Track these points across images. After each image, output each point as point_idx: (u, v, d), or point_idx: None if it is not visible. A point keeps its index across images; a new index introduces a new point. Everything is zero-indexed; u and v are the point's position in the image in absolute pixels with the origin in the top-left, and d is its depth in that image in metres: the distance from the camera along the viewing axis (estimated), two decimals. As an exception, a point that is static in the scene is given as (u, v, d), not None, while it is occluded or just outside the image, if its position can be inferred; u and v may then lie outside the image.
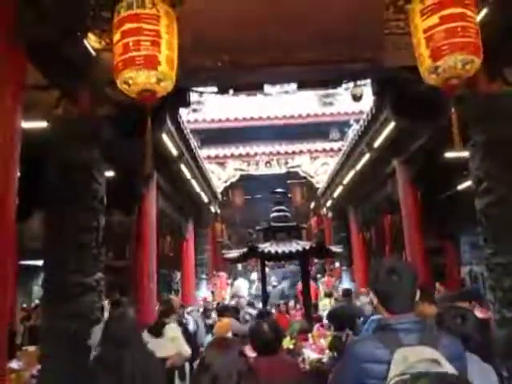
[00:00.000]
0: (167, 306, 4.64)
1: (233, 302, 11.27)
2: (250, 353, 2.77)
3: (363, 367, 1.54)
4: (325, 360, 4.39)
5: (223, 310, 5.33)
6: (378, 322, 2.34)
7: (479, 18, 2.97)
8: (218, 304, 8.96)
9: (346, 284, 11.77)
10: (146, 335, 3.78)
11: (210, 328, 6.81)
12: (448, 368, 1.40)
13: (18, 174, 3.08)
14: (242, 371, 1.56)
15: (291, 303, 8.65)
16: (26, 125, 3.41)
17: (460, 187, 7.00)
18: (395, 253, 9.37)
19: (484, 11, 3.36)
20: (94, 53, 3.66)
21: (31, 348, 5.19)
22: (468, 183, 5.61)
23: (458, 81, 2.57)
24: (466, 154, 4.56)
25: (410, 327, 1.56)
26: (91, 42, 3.56)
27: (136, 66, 2.45)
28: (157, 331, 4.14)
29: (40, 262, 4.51)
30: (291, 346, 4.61)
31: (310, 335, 5.12)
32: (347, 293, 7.22)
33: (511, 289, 3.99)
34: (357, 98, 6.69)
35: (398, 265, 1.67)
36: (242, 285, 12.88)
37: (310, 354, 4.53)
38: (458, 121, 2.86)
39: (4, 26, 2.84)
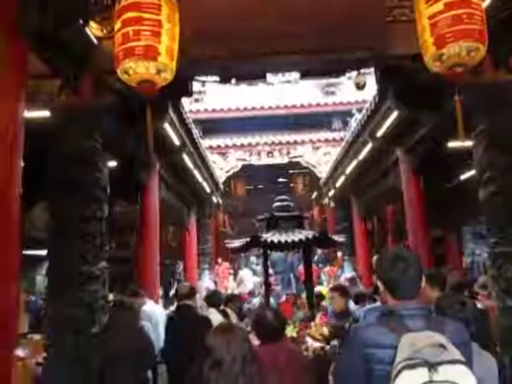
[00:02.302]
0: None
1: (236, 292, 11.35)
2: (254, 341, 2.79)
3: (369, 352, 1.55)
4: (327, 348, 4.43)
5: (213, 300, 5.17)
6: (381, 308, 2.35)
7: (484, 5, 2.93)
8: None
9: (347, 273, 11.80)
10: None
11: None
12: (454, 353, 1.41)
13: (22, 163, 3.08)
14: (247, 356, 1.57)
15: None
16: (29, 114, 3.41)
17: (463, 177, 6.98)
18: (397, 242, 9.39)
19: (490, -3, 3.31)
20: (95, 41, 3.64)
21: (36, 336, 5.24)
22: (471, 173, 5.59)
23: (463, 68, 2.55)
24: (469, 143, 4.54)
25: (415, 313, 1.58)
26: (93, 30, 3.54)
27: (136, 56, 2.43)
28: None
29: (43, 252, 4.53)
30: (294, 335, 4.64)
31: (312, 323, 5.15)
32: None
33: (514, 278, 3.99)
34: (360, 86, 6.66)
35: (404, 252, 1.70)
36: (245, 275, 12.94)
37: (312, 341, 4.57)
38: (462, 110, 2.84)
39: (5, 15, 2.83)
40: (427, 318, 1.57)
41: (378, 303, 4.57)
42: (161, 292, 8.32)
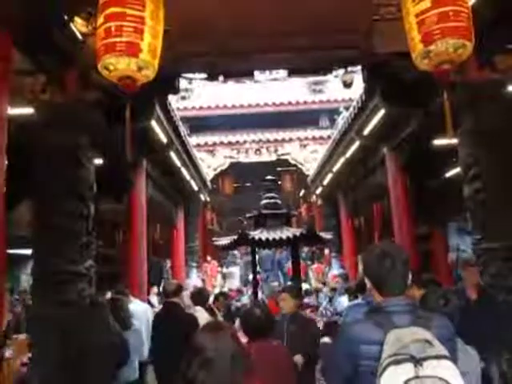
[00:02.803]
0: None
1: (225, 289, 11.34)
2: (242, 338, 2.79)
3: (357, 348, 1.56)
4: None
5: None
6: (369, 304, 2.37)
7: (470, 3, 2.96)
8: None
9: (335, 270, 11.88)
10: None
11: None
12: (440, 349, 1.42)
13: (6, 161, 3.03)
14: (235, 354, 1.56)
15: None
16: (12, 110, 3.35)
17: (449, 174, 7.05)
18: (384, 239, 9.46)
19: (476, -4, 3.34)
20: (81, 37, 3.59)
21: (21, 336, 5.16)
22: (457, 170, 5.66)
23: (450, 66, 2.57)
24: (455, 141, 4.59)
25: (402, 309, 1.59)
26: (78, 26, 3.49)
27: (117, 52, 2.39)
28: None
29: (27, 251, 4.46)
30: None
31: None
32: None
33: (498, 273, 4.06)
34: (347, 84, 6.69)
35: (391, 249, 1.70)
36: (234, 271, 12.97)
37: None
38: (449, 107, 2.87)
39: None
40: (414, 314, 1.58)
41: (360, 299, 4.61)
42: (156, 289, 8.28)
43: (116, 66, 2.42)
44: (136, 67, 2.44)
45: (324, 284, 10.91)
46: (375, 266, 1.66)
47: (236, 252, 15.05)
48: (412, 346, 1.41)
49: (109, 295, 4.78)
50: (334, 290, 8.08)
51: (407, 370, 1.39)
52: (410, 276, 1.67)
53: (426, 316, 1.60)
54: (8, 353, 4.35)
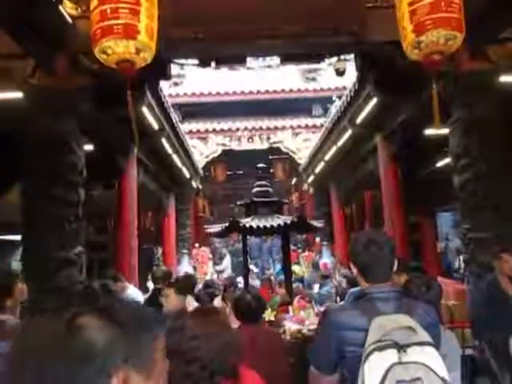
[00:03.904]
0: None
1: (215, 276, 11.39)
2: (233, 323, 2.82)
3: (341, 335, 1.59)
4: (305, 331, 4.50)
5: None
6: (356, 291, 2.40)
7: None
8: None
9: (326, 259, 11.96)
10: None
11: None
12: (423, 335, 1.45)
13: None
14: (227, 341, 1.58)
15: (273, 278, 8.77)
16: (1, 95, 3.31)
17: (439, 164, 7.10)
18: (375, 228, 9.53)
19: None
20: (70, 20, 3.53)
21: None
22: (447, 160, 5.70)
23: (441, 56, 2.57)
24: (446, 131, 4.61)
25: (386, 296, 1.61)
26: (67, 8, 3.43)
27: (115, 35, 2.35)
28: None
29: (18, 237, 4.44)
30: (272, 318, 4.70)
31: (290, 307, 5.22)
32: None
33: (485, 262, 4.12)
34: (340, 72, 6.66)
35: (377, 236, 1.71)
36: (225, 261, 13.04)
37: (290, 325, 4.63)
38: (439, 97, 2.87)
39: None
40: (398, 301, 1.61)
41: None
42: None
43: (114, 49, 2.37)
44: (134, 50, 2.40)
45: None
46: (361, 253, 1.68)
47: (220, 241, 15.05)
48: (396, 333, 1.44)
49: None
50: (324, 277, 8.16)
51: (391, 356, 1.41)
52: (396, 263, 1.69)
53: (410, 303, 1.63)
54: None
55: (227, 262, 13.24)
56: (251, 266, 10.66)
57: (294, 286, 6.83)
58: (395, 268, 1.67)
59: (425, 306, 1.65)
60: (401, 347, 1.41)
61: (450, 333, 2.23)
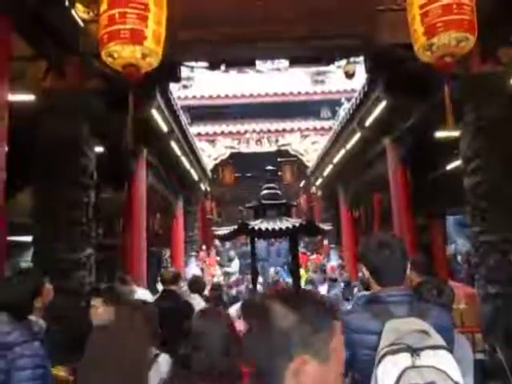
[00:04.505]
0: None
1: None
2: (241, 327, 2.82)
3: (355, 338, 1.58)
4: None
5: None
6: (368, 295, 2.38)
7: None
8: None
9: (333, 261, 11.92)
10: None
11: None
12: (437, 339, 1.44)
13: (6, 148, 3.03)
14: (231, 345, 1.59)
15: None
16: (13, 97, 3.34)
17: (449, 167, 7.05)
18: (383, 231, 9.47)
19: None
20: (82, 24, 3.56)
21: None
22: (457, 163, 5.65)
23: (452, 59, 2.56)
24: (456, 133, 4.58)
25: (400, 299, 1.59)
26: (79, 12, 3.46)
27: (121, 40, 2.38)
28: None
29: (28, 238, 4.47)
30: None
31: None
32: None
33: (496, 266, 4.08)
34: (349, 75, 6.64)
35: (389, 238, 1.69)
36: (234, 263, 13.08)
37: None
38: (450, 100, 2.86)
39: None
40: (411, 305, 1.59)
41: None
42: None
43: (120, 53, 2.40)
44: (140, 55, 2.43)
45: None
46: (373, 256, 1.66)
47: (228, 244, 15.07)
48: (409, 336, 1.42)
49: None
50: (333, 280, 8.13)
51: (404, 359, 1.40)
52: (409, 265, 1.67)
53: (424, 306, 1.61)
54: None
55: (236, 264, 13.25)
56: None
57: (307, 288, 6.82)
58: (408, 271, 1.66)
59: (439, 310, 1.64)
60: (414, 351, 1.40)
61: (463, 337, 2.20)
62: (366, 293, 4.68)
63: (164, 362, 2.14)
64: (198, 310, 2.38)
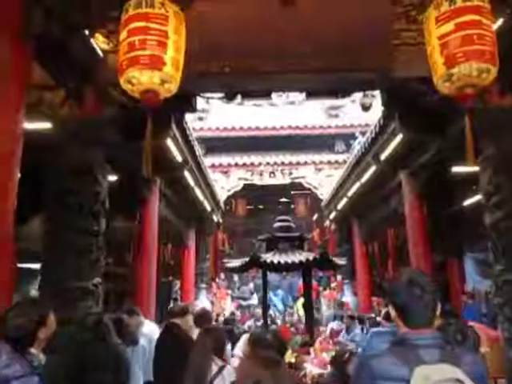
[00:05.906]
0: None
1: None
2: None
3: None
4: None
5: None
6: (388, 334, 2.23)
7: (495, 27, 2.90)
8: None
9: (347, 297, 11.61)
10: None
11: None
12: None
13: (19, 175, 3.01)
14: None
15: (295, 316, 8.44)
16: (30, 125, 3.36)
17: (467, 202, 6.89)
18: (398, 267, 9.23)
19: (500, 21, 3.29)
20: (101, 54, 3.62)
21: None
22: (476, 198, 5.51)
23: (473, 90, 2.50)
24: (474, 168, 4.47)
25: (430, 343, 1.45)
26: (99, 42, 3.52)
27: (140, 66, 2.39)
28: None
29: (36, 265, 4.42)
30: (292, 360, 4.49)
31: (312, 349, 5.00)
32: None
33: (521, 307, 3.88)
34: (366, 107, 6.65)
35: (419, 277, 1.57)
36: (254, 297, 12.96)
37: (311, 368, 4.41)
38: (472, 133, 2.78)
39: (9, 22, 2.80)
40: (442, 349, 1.45)
41: (381, 327, 4.42)
42: None
43: (139, 79, 2.41)
44: (159, 80, 2.43)
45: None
46: (403, 294, 1.53)
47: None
48: None
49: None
50: (351, 318, 7.66)
51: None
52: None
53: (457, 351, 1.47)
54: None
55: (255, 298, 13.04)
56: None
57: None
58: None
59: (472, 356, 1.49)
60: None
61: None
62: (382, 329, 4.45)
63: (228, 372, 2.90)
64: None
